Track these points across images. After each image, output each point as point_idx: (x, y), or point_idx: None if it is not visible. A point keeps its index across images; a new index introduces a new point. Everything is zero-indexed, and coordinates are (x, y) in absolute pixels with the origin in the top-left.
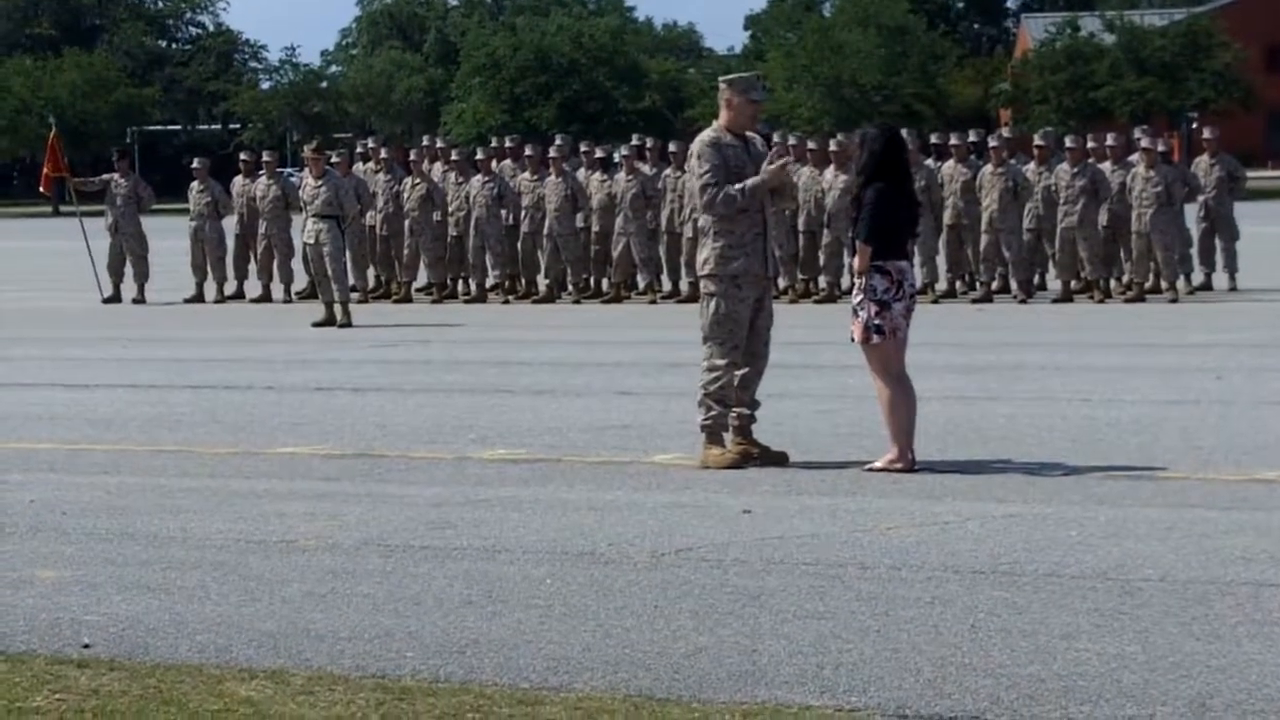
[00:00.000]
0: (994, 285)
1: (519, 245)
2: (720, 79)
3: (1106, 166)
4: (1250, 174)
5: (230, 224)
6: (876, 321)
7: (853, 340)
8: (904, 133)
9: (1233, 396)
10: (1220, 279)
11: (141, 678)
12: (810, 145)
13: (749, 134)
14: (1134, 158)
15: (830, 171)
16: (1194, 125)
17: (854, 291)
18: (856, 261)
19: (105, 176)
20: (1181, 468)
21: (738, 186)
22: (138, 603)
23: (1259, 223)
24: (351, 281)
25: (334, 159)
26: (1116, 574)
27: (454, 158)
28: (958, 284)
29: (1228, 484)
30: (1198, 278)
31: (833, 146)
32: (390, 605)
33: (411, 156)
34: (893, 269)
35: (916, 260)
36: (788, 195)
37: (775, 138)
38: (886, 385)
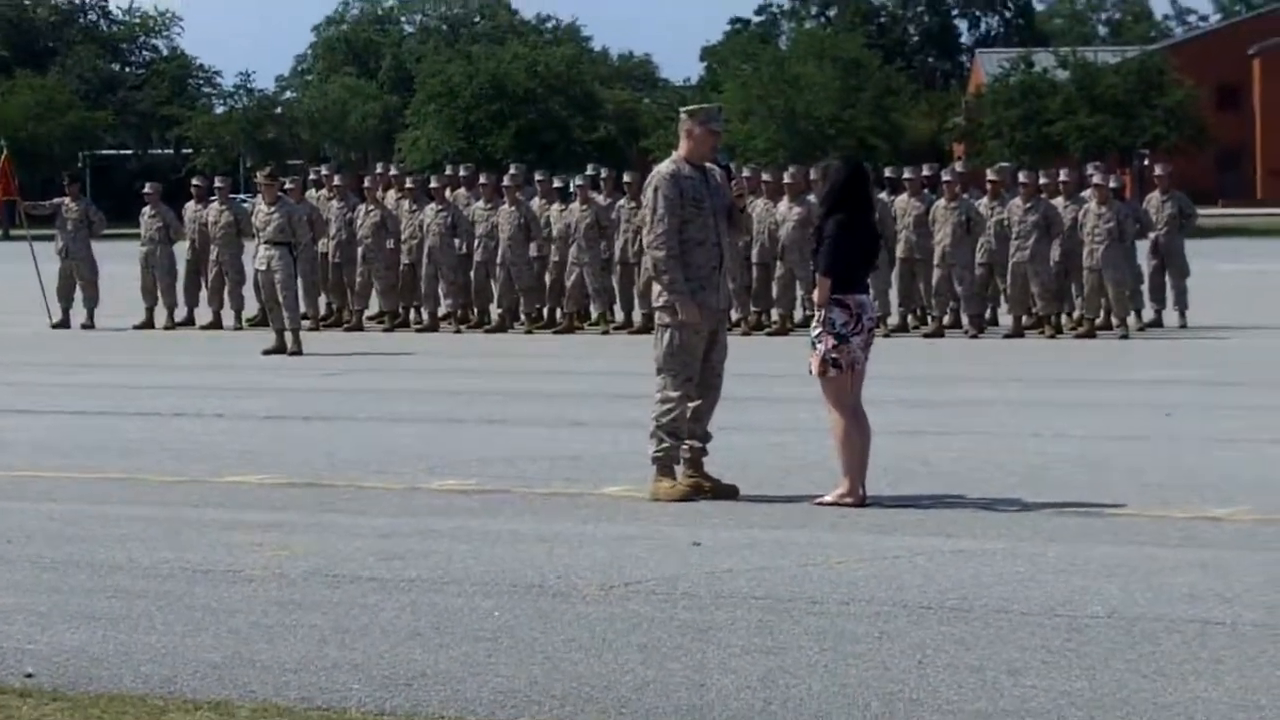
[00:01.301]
0: (946, 319)
1: (472, 274)
2: (681, 109)
3: (1059, 202)
4: (1201, 211)
5: (182, 249)
6: (834, 355)
7: (810, 373)
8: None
9: (1182, 433)
10: (1171, 316)
11: (84, 708)
12: (765, 177)
13: (708, 165)
14: (1086, 193)
15: (784, 204)
16: (1146, 162)
17: (813, 324)
18: (816, 294)
19: (56, 200)
20: (1131, 504)
21: (675, 282)
22: (82, 632)
23: (1210, 260)
24: (303, 309)
25: (287, 185)
26: (1065, 610)
27: (408, 185)
28: (909, 318)
29: (1177, 521)
30: (1148, 314)
31: (787, 179)
32: (337, 636)
33: (365, 184)
34: (852, 302)
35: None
36: (741, 228)
37: (733, 168)
38: (841, 418)
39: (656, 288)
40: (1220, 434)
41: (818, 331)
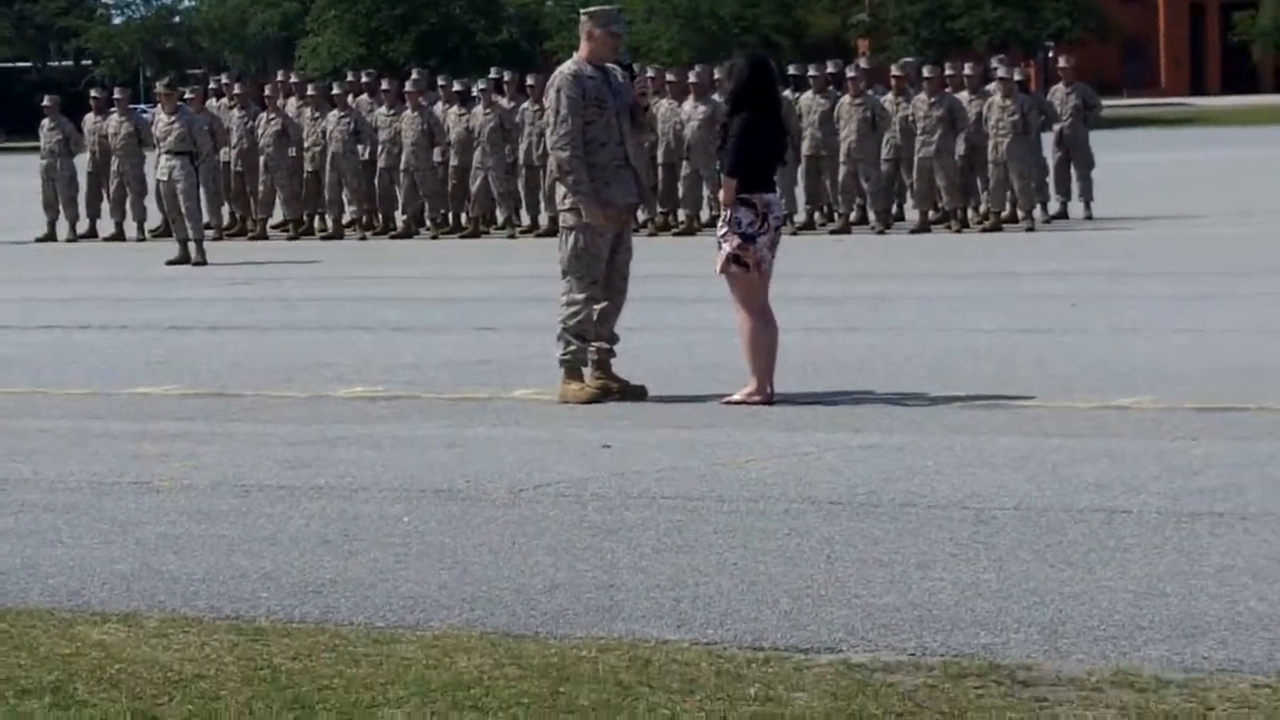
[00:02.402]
0: (852, 216)
1: (376, 181)
2: (581, 11)
3: (964, 96)
4: (1106, 102)
5: (82, 162)
6: (737, 253)
7: (717, 273)
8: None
9: (1088, 325)
10: (1076, 208)
11: None
12: (669, 77)
13: (609, 66)
14: (991, 87)
15: (689, 103)
16: (1050, 54)
17: (719, 223)
18: (722, 194)
19: None
20: (1037, 396)
21: (580, 182)
22: None
23: (1115, 151)
24: (206, 219)
25: (187, 95)
26: (972, 503)
27: (309, 93)
28: (816, 215)
29: (1083, 412)
30: (1054, 206)
31: (692, 78)
32: (245, 546)
33: (266, 92)
34: (758, 201)
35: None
36: (646, 128)
37: (636, 69)
38: (749, 317)
39: (561, 190)
40: (1125, 324)
41: (724, 231)
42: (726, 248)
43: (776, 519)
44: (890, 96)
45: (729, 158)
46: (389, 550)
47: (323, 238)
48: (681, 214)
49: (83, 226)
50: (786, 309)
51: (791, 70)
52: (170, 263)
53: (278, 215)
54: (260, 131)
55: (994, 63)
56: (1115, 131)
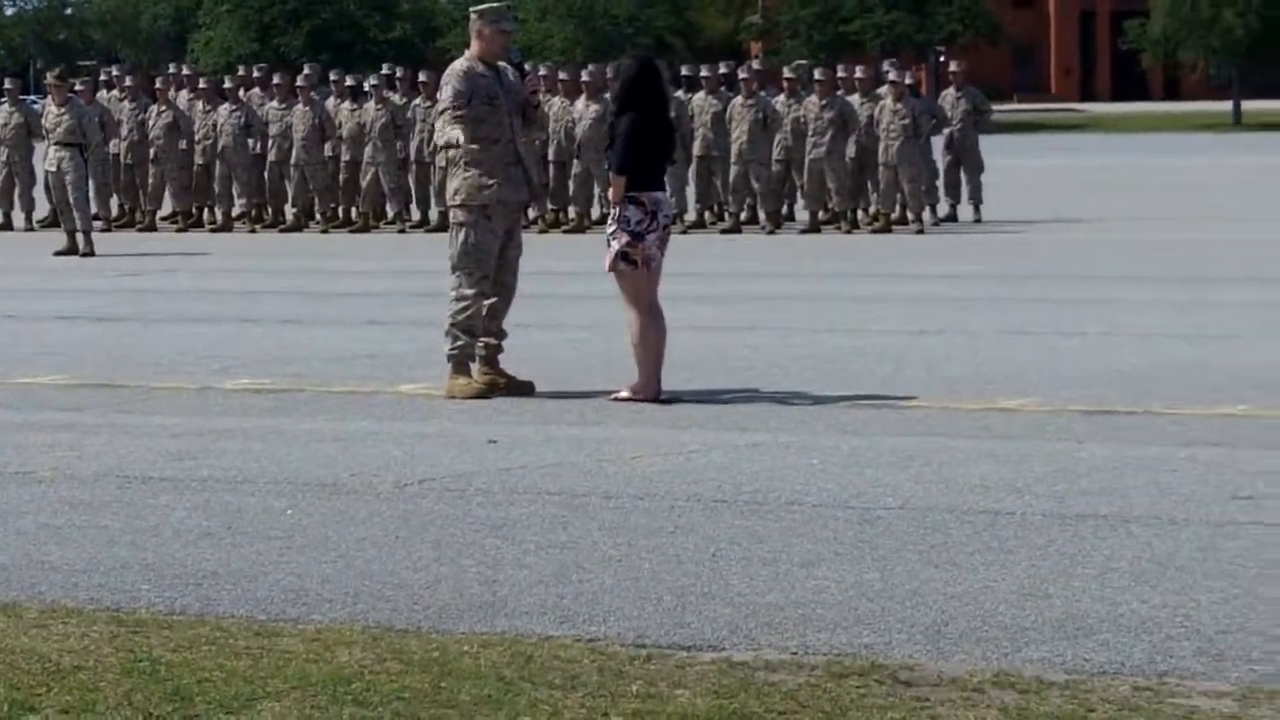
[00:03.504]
0: (743, 216)
1: (266, 174)
2: (471, 10)
3: (855, 99)
4: (996, 107)
5: None
6: (625, 250)
7: (607, 270)
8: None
9: (976, 327)
10: (965, 210)
11: None
12: (562, 75)
13: (501, 64)
14: (882, 90)
15: (581, 102)
16: (941, 59)
17: (608, 221)
18: (611, 192)
19: None
20: (924, 397)
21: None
22: None
23: (1004, 156)
24: (95, 210)
25: (77, 86)
26: (857, 503)
27: (201, 86)
28: (706, 214)
29: (970, 413)
30: (943, 209)
31: (584, 77)
32: (127, 537)
33: (158, 84)
34: (647, 200)
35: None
36: (537, 126)
37: (528, 67)
38: (638, 316)
39: (452, 185)
40: (1012, 327)
41: (613, 229)
42: (615, 245)
43: (661, 516)
44: (782, 98)
45: (617, 156)
46: (272, 543)
47: (212, 230)
48: (572, 211)
49: None
50: (676, 307)
51: (684, 71)
52: (58, 253)
53: (167, 207)
54: (151, 124)
55: (885, 66)
56: (1005, 136)
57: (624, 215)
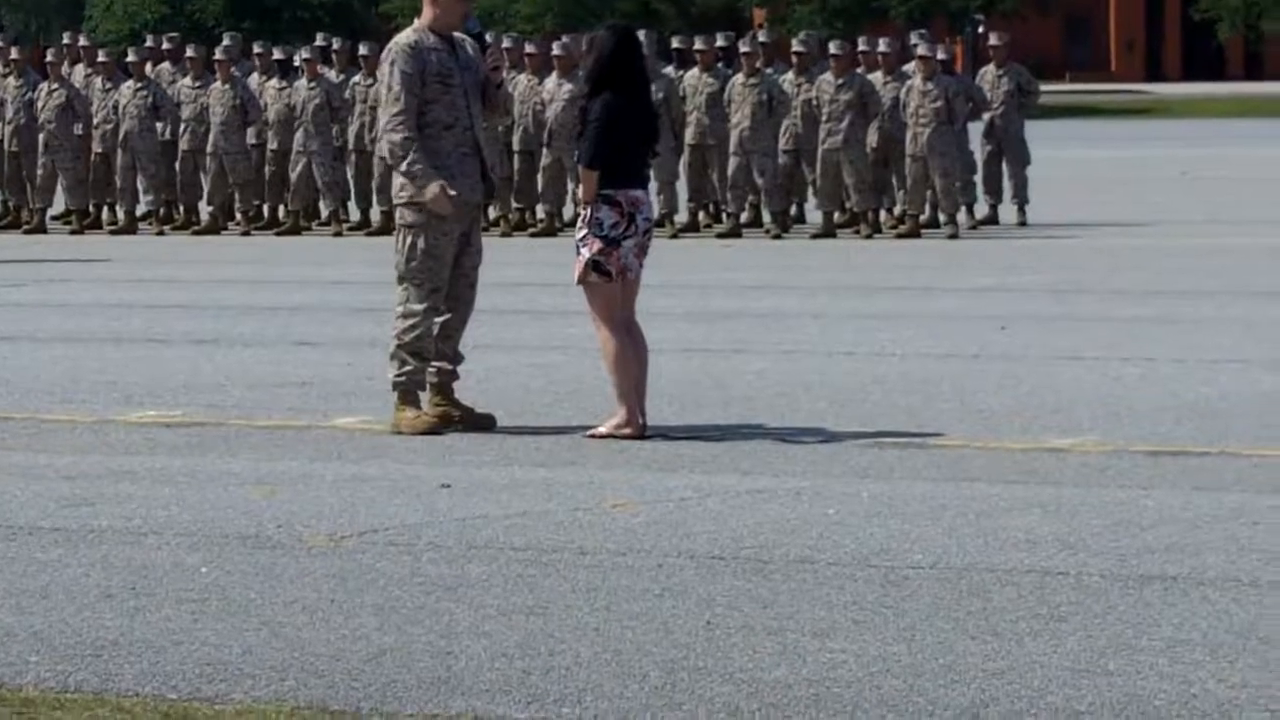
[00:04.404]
0: (743, 217)
1: (177, 165)
2: None
3: (877, 78)
4: (1045, 87)
5: None
6: (598, 259)
7: (576, 282)
8: (641, 34)
9: (1020, 351)
10: (1008, 211)
11: None
12: (529, 49)
13: (457, 36)
14: (910, 67)
15: (552, 80)
16: (980, 30)
17: (578, 224)
18: (580, 190)
19: None
20: (959, 434)
21: (416, 163)
22: None
23: (1054, 145)
24: None
25: None
26: (880, 560)
27: (101, 59)
28: (701, 215)
29: (1012, 453)
30: (982, 209)
31: (556, 51)
32: (12, 600)
33: (49, 58)
34: (624, 199)
35: (653, 186)
36: (500, 109)
37: (489, 38)
38: (612, 335)
39: (397, 180)
40: (1063, 351)
41: (583, 234)
42: (586, 253)
43: (647, 576)
44: (791, 76)
45: (588, 147)
46: (184, 607)
47: (112, 232)
48: (541, 211)
49: None
50: (663, 326)
51: (675, 44)
52: None
53: (59, 204)
54: (41, 105)
55: (914, 39)
56: (1055, 122)
57: (595, 217)
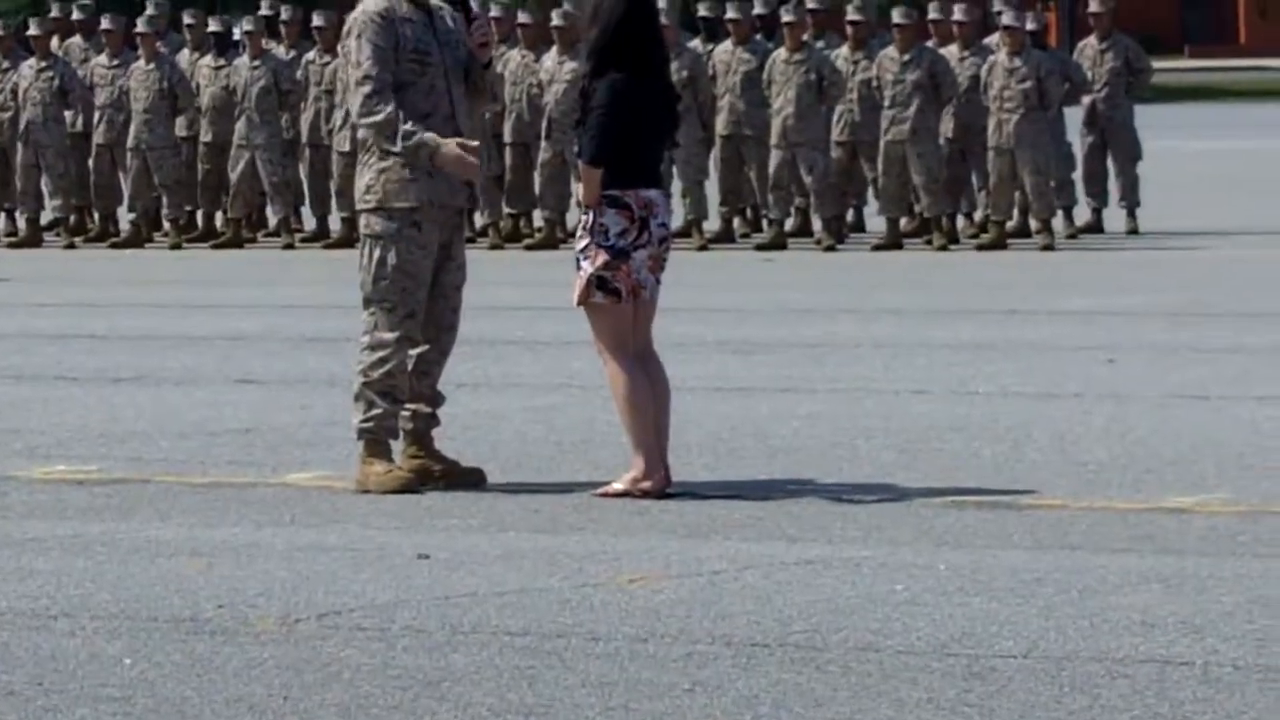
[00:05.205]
0: (788, 224)
1: (91, 162)
2: None
3: (952, 52)
4: (1159, 65)
5: None
6: (603, 274)
7: (576, 303)
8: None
9: (1131, 389)
10: (1115, 216)
11: None
12: (522, 18)
13: (435, 3)
14: (992, 40)
15: (551, 57)
16: None
17: (578, 233)
18: (582, 190)
19: None
20: (1058, 492)
21: (414, 133)
22: None
23: (1171, 136)
24: None
25: None
26: (961, 648)
27: None
28: (736, 222)
29: (1123, 515)
30: (1083, 214)
31: (556, 21)
32: None
33: None
34: (635, 201)
35: (675, 187)
36: (488, 94)
37: (475, 7)
38: (623, 369)
39: (363, 181)
40: (1182, 388)
41: (584, 244)
42: (588, 268)
43: (674, 667)
44: (845, 51)
45: (592, 138)
46: (103, 706)
47: (11, 245)
48: (538, 217)
49: None
50: (689, 359)
51: (703, 11)
52: None
53: None
54: None
55: (997, 4)
56: (1172, 107)
57: (600, 224)
